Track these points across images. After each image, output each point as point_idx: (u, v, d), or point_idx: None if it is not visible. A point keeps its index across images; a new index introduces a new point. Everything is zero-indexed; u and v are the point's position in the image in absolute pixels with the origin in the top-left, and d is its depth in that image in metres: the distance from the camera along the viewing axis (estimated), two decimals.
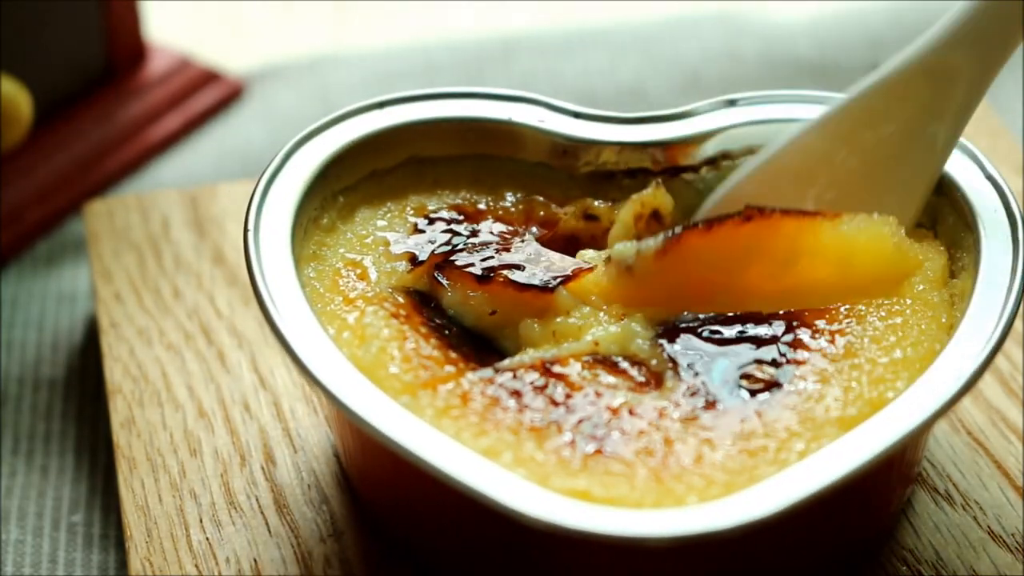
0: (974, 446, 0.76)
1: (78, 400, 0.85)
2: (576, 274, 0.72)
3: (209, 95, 1.05)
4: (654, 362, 0.69)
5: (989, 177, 0.73)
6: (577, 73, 1.06)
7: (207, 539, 0.73)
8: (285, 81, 1.07)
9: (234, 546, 0.73)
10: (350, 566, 0.71)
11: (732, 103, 0.78)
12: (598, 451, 0.65)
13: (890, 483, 0.71)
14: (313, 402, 0.79)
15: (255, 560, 0.72)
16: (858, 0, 1.11)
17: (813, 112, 0.76)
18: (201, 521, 0.74)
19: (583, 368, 0.69)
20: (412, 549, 0.71)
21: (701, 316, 0.71)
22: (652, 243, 0.71)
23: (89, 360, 0.87)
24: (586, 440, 0.65)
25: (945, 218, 0.74)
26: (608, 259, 0.72)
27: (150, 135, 1.01)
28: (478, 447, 0.64)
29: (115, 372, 0.81)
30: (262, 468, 0.76)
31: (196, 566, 0.72)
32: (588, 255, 0.74)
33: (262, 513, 0.74)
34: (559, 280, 0.71)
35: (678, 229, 0.71)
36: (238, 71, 1.08)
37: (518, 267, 0.72)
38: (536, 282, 0.72)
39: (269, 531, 0.73)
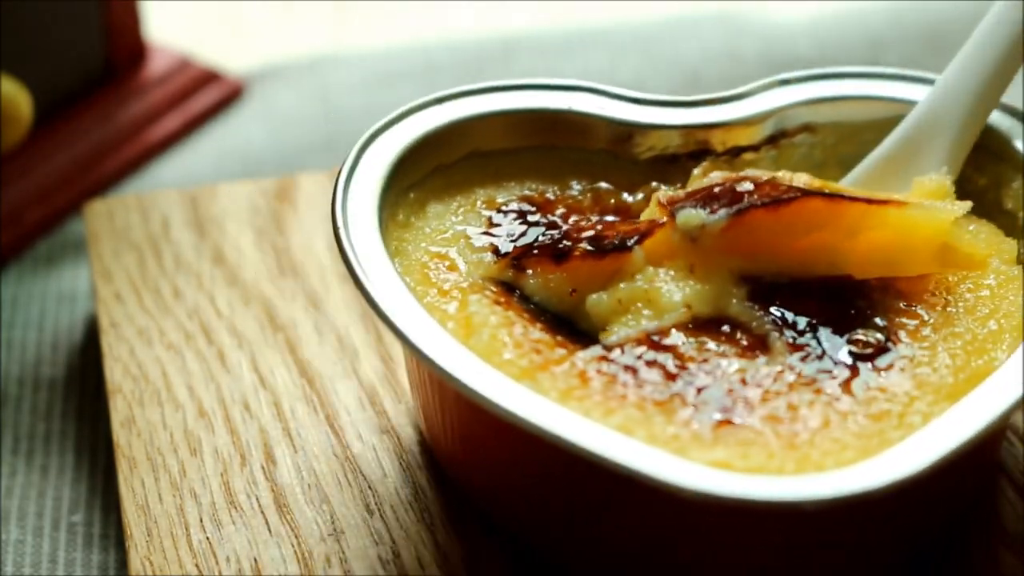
0: None
1: (78, 400, 0.85)
2: (651, 230, 0.72)
3: (209, 95, 1.05)
4: (754, 324, 0.70)
5: None
6: (577, 73, 1.06)
7: (207, 538, 0.73)
8: (285, 81, 1.07)
9: (234, 546, 0.73)
10: (350, 566, 0.71)
11: (785, 82, 0.79)
12: (727, 421, 0.66)
13: (995, 441, 0.72)
14: (313, 402, 0.79)
15: (255, 560, 0.72)
16: (858, 0, 1.11)
17: (860, 88, 0.79)
18: (201, 521, 0.74)
19: (687, 336, 0.69)
20: (527, 540, 0.71)
21: (790, 277, 0.72)
22: (716, 219, 0.71)
23: (89, 360, 0.87)
24: (712, 411, 0.66)
25: (1009, 182, 0.76)
26: (670, 214, 0.72)
27: (150, 135, 1.02)
28: (610, 425, 0.65)
29: (115, 372, 0.81)
30: (262, 468, 0.76)
31: (196, 565, 0.72)
32: (660, 194, 0.74)
33: (262, 513, 0.74)
34: (635, 239, 0.72)
35: (744, 205, 0.71)
36: (238, 71, 1.08)
37: (592, 239, 0.73)
38: (614, 243, 0.72)
39: (269, 531, 0.73)
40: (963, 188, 0.76)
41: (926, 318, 0.70)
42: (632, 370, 0.68)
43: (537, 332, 0.69)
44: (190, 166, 1.01)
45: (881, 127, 0.78)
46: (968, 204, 0.73)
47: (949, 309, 0.71)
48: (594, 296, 0.71)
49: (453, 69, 1.07)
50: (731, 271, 0.71)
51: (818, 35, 1.09)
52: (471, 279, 0.72)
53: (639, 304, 0.70)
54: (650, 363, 0.68)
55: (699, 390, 0.67)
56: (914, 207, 0.73)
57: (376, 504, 0.74)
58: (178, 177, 1.00)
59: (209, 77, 1.05)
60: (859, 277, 0.72)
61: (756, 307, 0.70)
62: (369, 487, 0.75)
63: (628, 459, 0.63)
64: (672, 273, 0.71)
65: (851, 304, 0.71)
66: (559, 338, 0.70)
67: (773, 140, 0.79)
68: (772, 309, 0.70)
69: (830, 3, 1.12)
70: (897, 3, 1.11)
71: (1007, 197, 0.76)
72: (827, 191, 0.72)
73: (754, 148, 0.79)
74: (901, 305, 0.71)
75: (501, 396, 0.65)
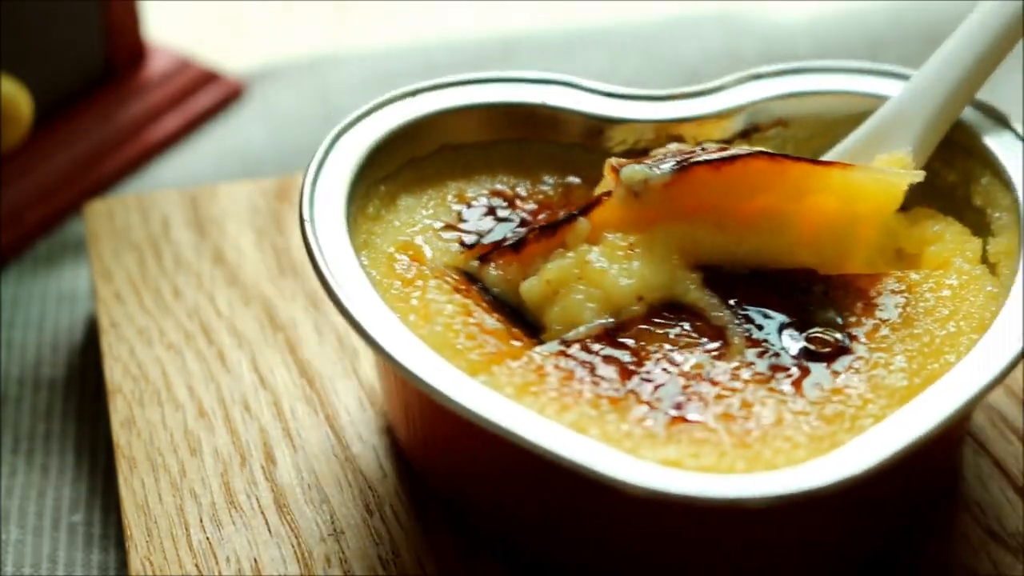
0: (974, 446, 0.76)
1: (78, 400, 0.85)
2: (599, 200, 0.72)
3: (209, 95, 1.05)
4: (713, 315, 0.70)
5: (1021, 139, 0.75)
6: (577, 73, 1.06)
7: (207, 539, 0.73)
8: (285, 81, 1.07)
9: (234, 546, 0.73)
10: (350, 566, 0.71)
11: (758, 77, 0.79)
12: (681, 418, 0.66)
13: (952, 441, 0.72)
14: (313, 402, 0.79)
15: (255, 560, 0.72)
16: (858, 0, 1.11)
17: (834, 83, 0.78)
18: (201, 521, 0.74)
19: (645, 328, 0.69)
20: (491, 534, 0.71)
21: (748, 267, 0.72)
22: (659, 173, 0.71)
23: (89, 360, 0.87)
24: (666, 408, 0.66)
25: (978, 178, 0.75)
26: (617, 175, 0.72)
27: (150, 135, 1.01)
28: (564, 423, 0.65)
29: (115, 372, 0.81)
30: (262, 468, 0.76)
31: (196, 566, 0.72)
32: (611, 159, 0.74)
33: (262, 513, 0.74)
34: (581, 210, 0.72)
35: (686, 162, 0.71)
36: (238, 71, 1.08)
37: (546, 221, 0.73)
38: (562, 218, 0.72)
39: (269, 531, 0.73)
40: (933, 184, 0.76)
41: (886, 318, 0.70)
42: (589, 366, 0.68)
43: (493, 322, 0.69)
44: (190, 166, 1.01)
45: (855, 122, 0.78)
46: (921, 174, 0.73)
47: (909, 309, 0.70)
48: (525, 283, 0.71)
49: (453, 69, 1.07)
50: (679, 248, 0.71)
51: (818, 35, 1.09)
52: (434, 266, 0.72)
53: (576, 287, 0.70)
54: (607, 359, 0.68)
55: (655, 386, 0.67)
56: (859, 170, 0.72)
57: (376, 504, 0.74)
58: (178, 177, 1.00)
59: (209, 77, 1.05)
60: (821, 271, 0.72)
61: (716, 297, 0.70)
62: (369, 487, 0.75)
63: (576, 456, 0.63)
64: (606, 250, 0.71)
65: (812, 301, 0.70)
66: (515, 331, 0.70)
67: (745, 134, 0.79)
68: (732, 301, 0.70)
69: (830, 3, 1.12)
70: (897, 3, 1.11)
71: (976, 194, 0.76)
72: (771, 152, 0.72)
73: (726, 142, 0.79)
74: (861, 304, 0.71)
75: (455, 390, 0.65)
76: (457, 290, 0.71)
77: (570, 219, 0.72)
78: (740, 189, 0.71)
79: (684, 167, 0.71)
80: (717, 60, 1.07)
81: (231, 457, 0.76)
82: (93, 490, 0.81)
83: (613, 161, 0.73)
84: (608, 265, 0.70)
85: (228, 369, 0.81)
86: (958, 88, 0.75)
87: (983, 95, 0.77)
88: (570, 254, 0.71)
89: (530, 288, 0.71)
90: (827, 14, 1.11)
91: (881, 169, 0.73)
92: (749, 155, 0.71)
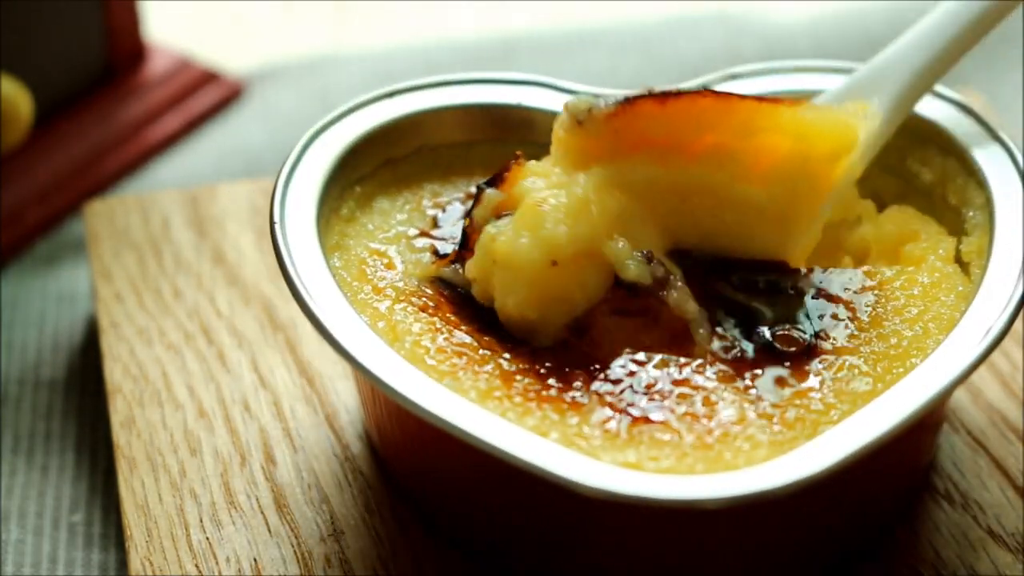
0: (974, 446, 0.76)
1: (78, 400, 0.85)
2: (508, 167, 0.72)
3: (209, 95, 1.05)
4: (680, 306, 0.69)
5: (996, 137, 0.75)
6: (577, 73, 1.06)
7: (207, 539, 0.73)
8: (285, 81, 1.07)
9: (234, 546, 0.73)
10: (350, 566, 0.71)
11: (735, 76, 0.79)
12: (643, 419, 0.65)
13: (922, 437, 0.72)
14: (313, 402, 0.79)
15: (255, 560, 0.72)
16: (858, 0, 1.11)
17: (811, 82, 0.78)
18: (201, 521, 0.74)
19: (613, 326, 0.69)
20: (458, 534, 0.71)
21: (711, 254, 0.72)
22: (604, 104, 0.71)
23: (89, 360, 0.87)
24: (629, 409, 0.66)
25: (954, 177, 0.75)
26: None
27: (150, 135, 1.01)
28: (526, 426, 0.65)
29: (115, 372, 0.81)
30: (262, 468, 0.76)
31: (196, 566, 0.72)
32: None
33: (262, 513, 0.74)
34: (487, 181, 0.72)
35: (632, 95, 0.71)
36: (238, 71, 1.08)
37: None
38: (474, 191, 0.72)
39: (269, 531, 0.73)
40: (912, 184, 0.76)
41: (854, 317, 0.70)
42: (554, 369, 0.68)
43: (462, 335, 0.69)
44: (190, 166, 1.01)
45: None
46: (878, 115, 0.73)
47: (879, 308, 0.70)
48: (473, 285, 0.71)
49: (453, 69, 1.07)
50: (620, 184, 0.70)
51: (818, 35, 1.09)
52: (406, 279, 0.72)
53: (494, 274, 0.69)
54: (573, 361, 0.68)
55: (619, 387, 0.67)
56: (811, 109, 0.72)
57: (376, 504, 0.74)
58: (178, 177, 1.00)
59: (209, 77, 1.05)
60: (793, 265, 0.71)
61: (683, 292, 0.70)
62: (369, 487, 0.75)
63: (533, 458, 0.63)
64: (522, 216, 0.69)
65: (781, 296, 0.70)
66: (487, 339, 0.69)
67: None
68: (699, 296, 0.70)
69: (830, 3, 1.12)
70: (897, 3, 1.11)
71: (951, 193, 0.75)
72: (719, 90, 0.72)
73: None
74: (831, 301, 0.70)
75: (417, 393, 0.65)
76: (424, 309, 0.70)
77: (480, 189, 0.72)
78: (686, 125, 0.71)
79: (629, 100, 0.70)
80: (717, 60, 1.07)
81: (231, 457, 0.76)
82: (93, 490, 0.81)
83: (568, 102, 0.73)
84: (514, 236, 0.69)
85: (228, 369, 0.81)
86: (927, 65, 0.75)
87: (984, 95, 0.77)
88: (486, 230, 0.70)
89: (473, 287, 0.71)
90: (827, 14, 1.11)
91: (833, 108, 0.72)
92: (696, 92, 0.71)
